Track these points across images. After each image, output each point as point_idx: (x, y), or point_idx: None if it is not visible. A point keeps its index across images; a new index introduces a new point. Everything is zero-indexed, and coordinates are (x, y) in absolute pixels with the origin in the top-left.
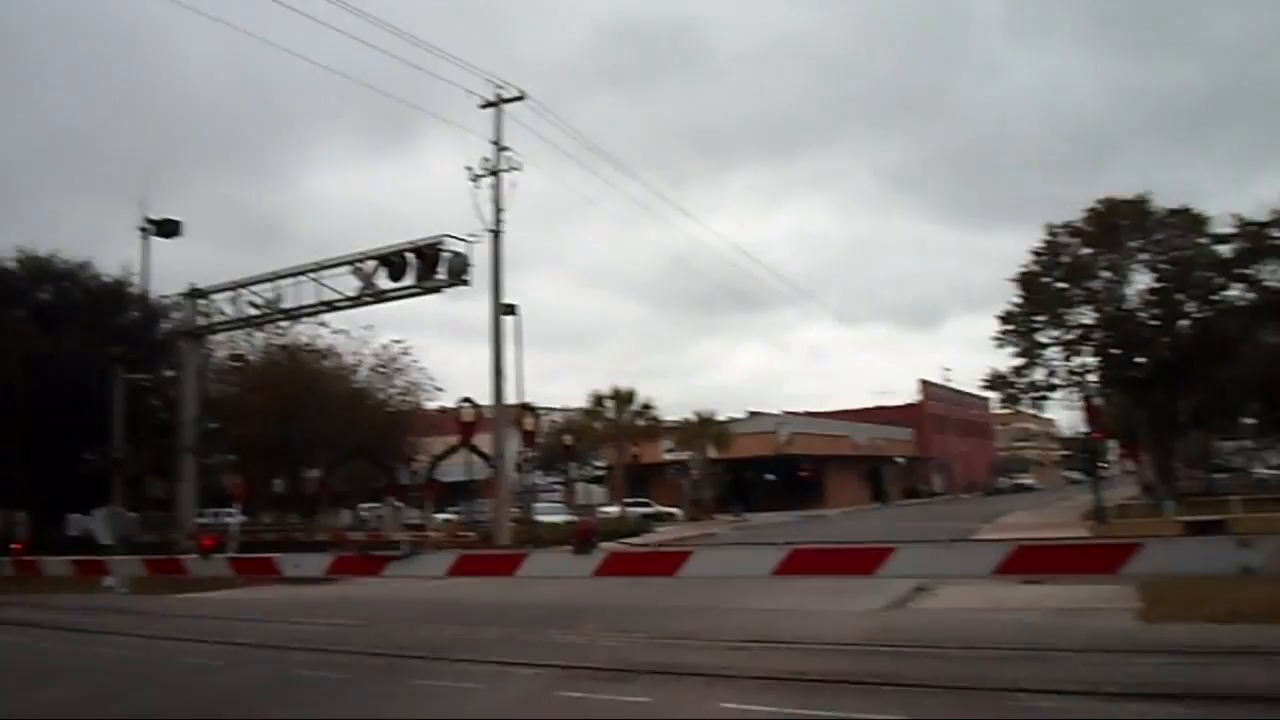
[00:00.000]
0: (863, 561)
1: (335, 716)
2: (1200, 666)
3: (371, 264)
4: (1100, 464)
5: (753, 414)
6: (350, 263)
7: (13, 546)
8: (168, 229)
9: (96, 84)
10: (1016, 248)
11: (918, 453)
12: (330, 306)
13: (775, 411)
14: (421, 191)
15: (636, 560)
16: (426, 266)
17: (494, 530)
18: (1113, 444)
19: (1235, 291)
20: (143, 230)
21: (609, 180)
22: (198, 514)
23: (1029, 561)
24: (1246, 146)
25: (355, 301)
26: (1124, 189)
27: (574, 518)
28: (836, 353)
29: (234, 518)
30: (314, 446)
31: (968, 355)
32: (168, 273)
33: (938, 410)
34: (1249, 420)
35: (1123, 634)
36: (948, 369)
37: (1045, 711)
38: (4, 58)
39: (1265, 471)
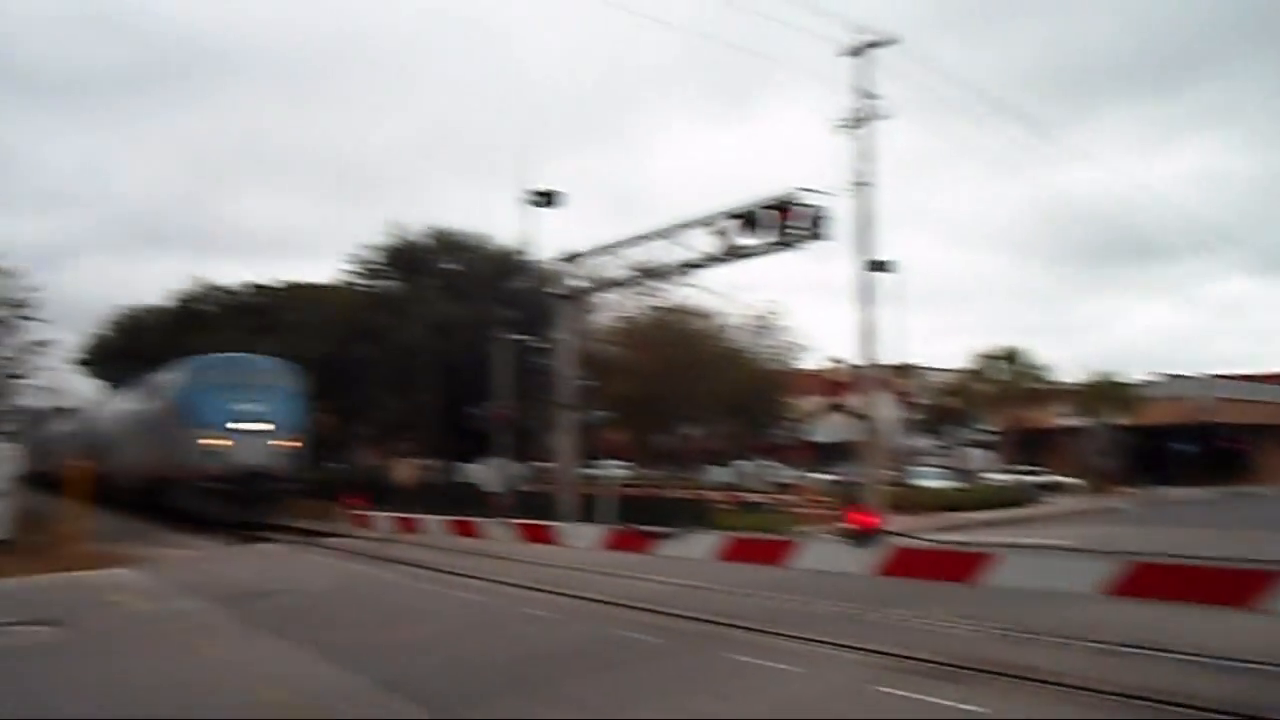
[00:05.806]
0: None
1: (646, 685)
2: None
3: (727, 221)
4: None
5: (1170, 377)
6: (706, 222)
7: (349, 500)
8: (550, 199)
9: (472, 80)
10: None
11: None
12: (690, 266)
13: (1194, 374)
14: (768, 150)
15: (928, 560)
16: (782, 221)
17: (865, 493)
18: None
19: None
20: (527, 202)
21: (973, 129)
22: (582, 464)
23: None
24: None
25: (714, 260)
26: None
27: (958, 484)
28: (1261, 308)
29: (617, 471)
30: (690, 404)
31: None
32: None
33: None
34: None
35: None
36: None
37: None
38: (399, 68)
39: None
